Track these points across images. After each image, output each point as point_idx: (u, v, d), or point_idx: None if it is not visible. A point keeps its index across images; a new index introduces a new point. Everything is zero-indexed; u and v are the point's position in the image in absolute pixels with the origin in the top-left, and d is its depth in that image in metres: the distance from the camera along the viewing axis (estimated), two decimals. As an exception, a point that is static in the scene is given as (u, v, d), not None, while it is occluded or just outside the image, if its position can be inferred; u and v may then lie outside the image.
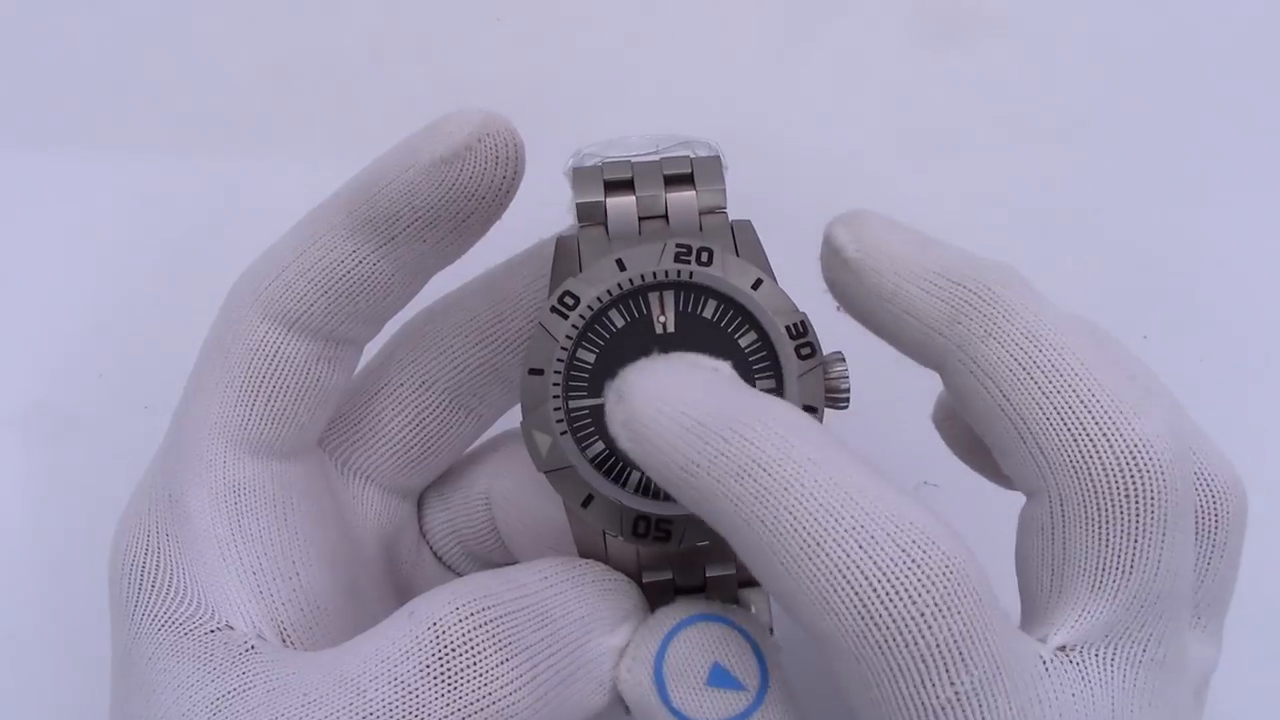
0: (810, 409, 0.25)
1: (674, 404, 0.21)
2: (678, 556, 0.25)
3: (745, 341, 0.25)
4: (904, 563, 0.19)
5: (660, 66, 0.44)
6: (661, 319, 0.25)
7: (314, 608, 0.26)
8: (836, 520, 0.20)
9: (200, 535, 0.25)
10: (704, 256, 0.25)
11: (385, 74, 0.43)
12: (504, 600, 0.23)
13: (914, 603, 0.19)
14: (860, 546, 0.19)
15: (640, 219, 0.26)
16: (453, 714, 0.22)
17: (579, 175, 0.26)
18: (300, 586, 0.26)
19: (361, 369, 0.30)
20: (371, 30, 0.44)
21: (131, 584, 0.25)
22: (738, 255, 0.26)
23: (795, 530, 0.20)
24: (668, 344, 0.25)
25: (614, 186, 0.26)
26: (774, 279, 0.25)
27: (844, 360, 0.25)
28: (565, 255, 0.26)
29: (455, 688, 0.22)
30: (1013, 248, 0.41)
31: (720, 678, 0.23)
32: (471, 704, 0.22)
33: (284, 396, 0.26)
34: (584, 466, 0.24)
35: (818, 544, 0.19)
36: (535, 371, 0.25)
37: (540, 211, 0.28)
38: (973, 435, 0.27)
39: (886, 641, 0.19)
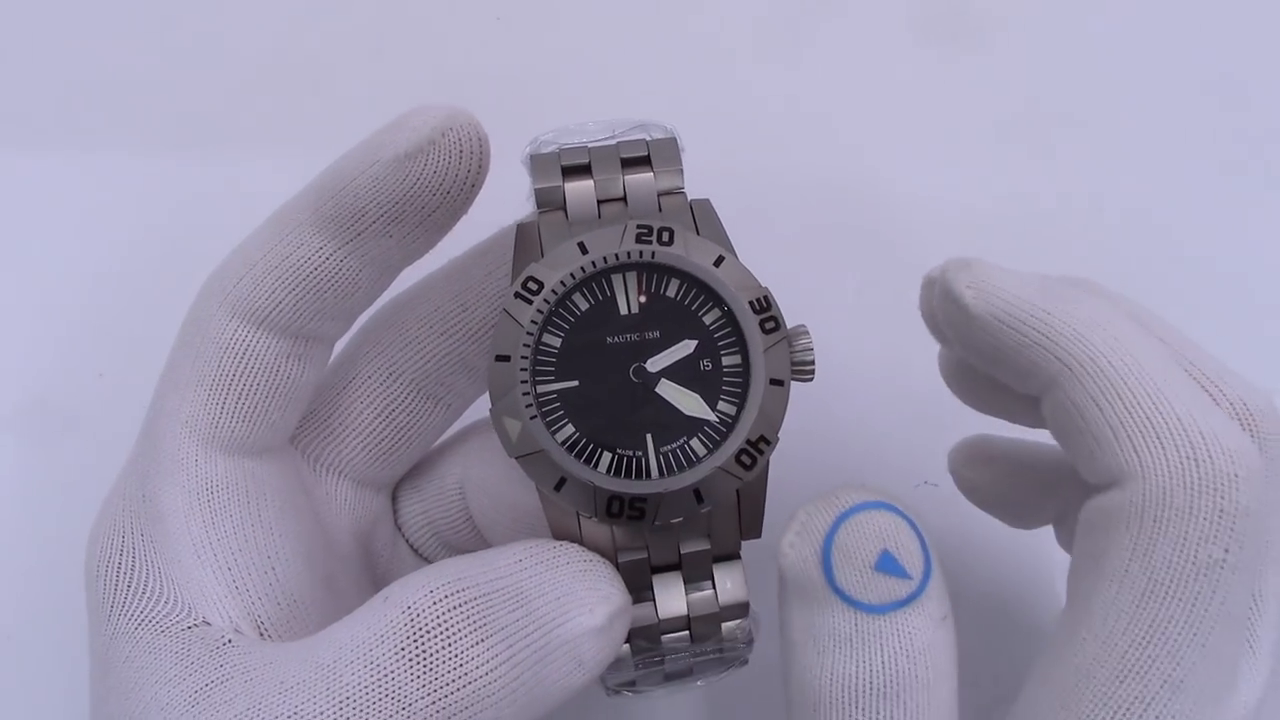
0: (777, 382, 0.25)
1: (1013, 271, 0.25)
2: (652, 535, 0.25)
3: (710, 319, 0.25)
4: (1232, 429, 0.23)
5: (659, 65, 0.44)
6: (640, 299, 0.25)
7: (290, 602, 0.26)
8: (1171, 378, 0.23)
9: (174, 534, 0.26)
10: (665, 236, 0.25)
11: (384, 73, 0.43)
12: (478, 582, 0.23)
13: (1234, 461, 0.22)
14: (1194, 401, 0.23)
15: (599, 202, 0.26)
16: (428, 695, 0.22)
17: (536, 162, 0.26)
18: (276, 581, 0.26)
19: (330, 365, 0.30)
20: (370, 29, 0.44)
21: (108, 585, 0.26)
22: (698, 234, 0.26)
23: (1139, 376, 0.23)
24: (633, 325, 0.25)
25: (571, 171, 0.26)
26: (735, 256, 0.26)
27: (808, 333, 0.25)
28: (526, 241, 0.26)
29: (430, 669, 0.22)
30: (1011, 247, 0.41)
31: (888, 564, 0.23)
32: (447, 685, 0.22)
33: (255, 394, 0.26)
34: (555, 450, 0.24)
35: (1160, 391, 0.23)
36: (502, 358, 0.25)
37: (513, 205, 0.28)
38: (982, 384, 0.29)
39: (1200, 484, 0.22)
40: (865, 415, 0.39)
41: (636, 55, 0.44)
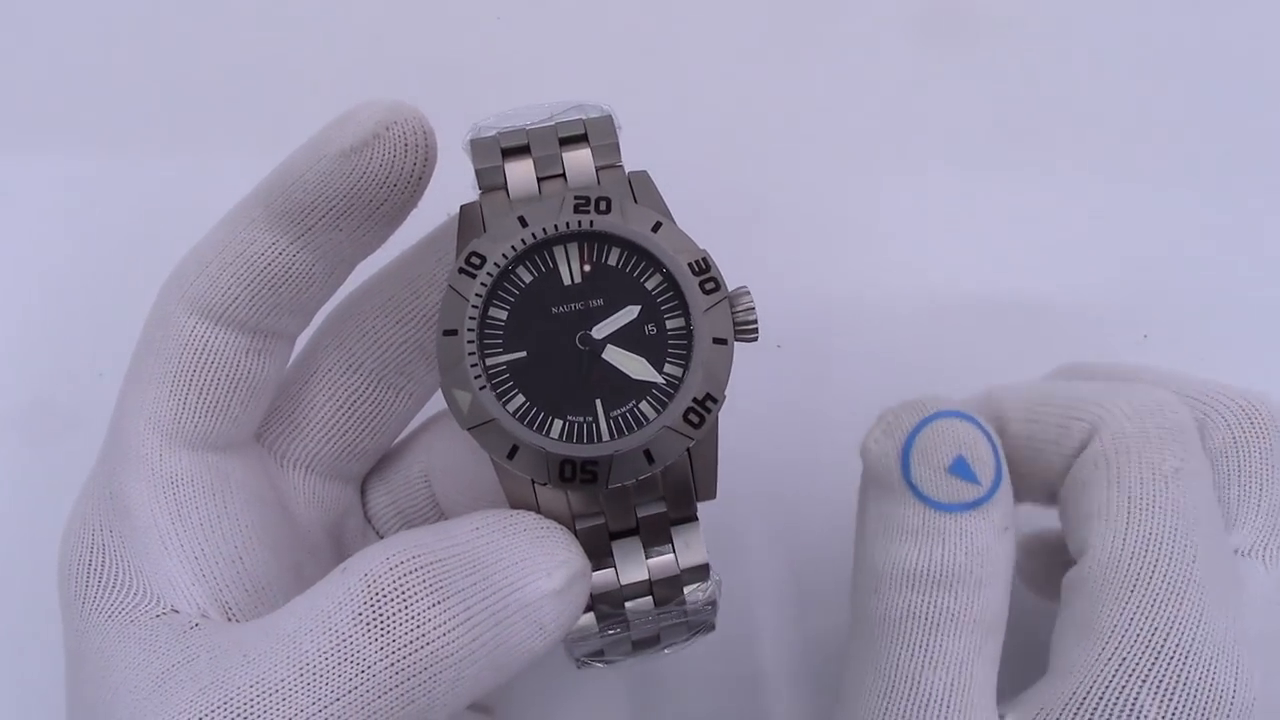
0: (720, 341, 0.25)
1: None
2: (607, 501, 0.25)
3: (652, 284, 0.26)
4: (1159, 390, 0.28)
5: (656, 65, 0.44)
6: (585, 269, 0.26)
7: (258, 589, 0.27)
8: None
9: (141, 527, 0.26)
10: (602, 205, 0.26)
11: (380, 74, 0.44)
12: (435, 549, 0.24)
13: (1162, 398, 0.27)
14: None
15: (539, 179, 0.27)
16: (386, 658, 0.22)
17: (477, 146, 0.27)
18: (244, 570, 0.27)
19: (292, 360, 0.30)
20: (366, 29, 0.45)
21: (79, 582, 0.26)
22: (636, 204, 0.26)
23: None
24: (577, 294, 0.26)
25: (511, 152, 0.27)
26: (673, 222, 0.26)
27: (749, 293, 0.26)
28: (469, 221, 0.26)
29: (388, 631, 0.22)
30: (1011, 247, 0.42)
31: (961, 468, 0.26)
32: (404, 647, 0.22)
33: (215, 389, 0.27)
34: (506, 418, 0.25)
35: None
36: (449, 332, 0.25)
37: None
38: (1042, 573, 0.32)
39: (1142, 413, 0.26)
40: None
41: (636, 56, 0.45)
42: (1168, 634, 0.24)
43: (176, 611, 0.25)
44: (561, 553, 0.24)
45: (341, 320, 0.30)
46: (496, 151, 0.27)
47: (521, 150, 0.27)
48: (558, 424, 0.25)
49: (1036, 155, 0.43)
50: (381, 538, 0.32)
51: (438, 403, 0.31)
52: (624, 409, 0.25)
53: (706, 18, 0.45)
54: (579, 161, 0.27)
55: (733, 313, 0.25)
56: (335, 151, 0.25)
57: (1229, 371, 0.40)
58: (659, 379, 0.25)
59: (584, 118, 0.27)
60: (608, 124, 0.27)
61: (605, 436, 0.25)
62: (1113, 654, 0.24)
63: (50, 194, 0.42)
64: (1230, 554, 0.26)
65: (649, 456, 0.24)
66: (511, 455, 0.25)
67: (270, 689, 0.22)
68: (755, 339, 0.26)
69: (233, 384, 0.27)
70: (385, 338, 0.29)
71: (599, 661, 0.27)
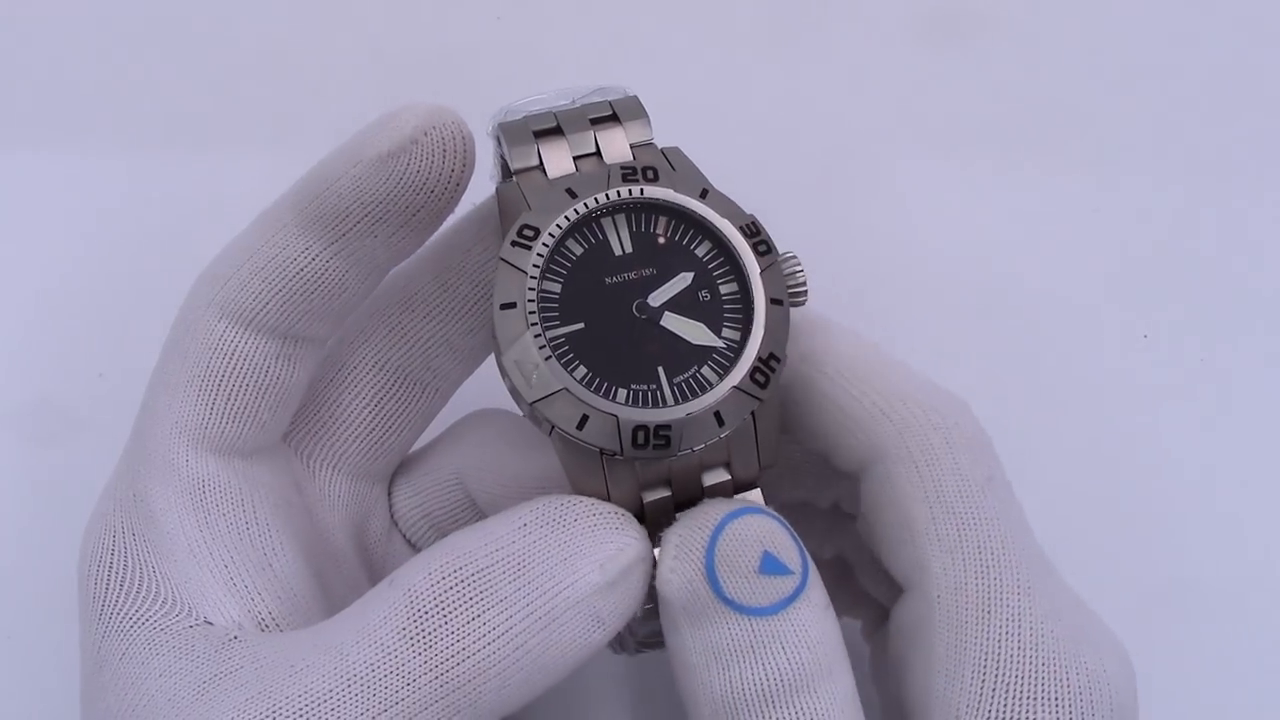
0: (776, 301, 0.25)
1: None
2: (675, 469, 0.25)
3: (702, 251, 0.26)
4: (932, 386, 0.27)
5: (658, 64, 0.45)
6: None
7: (290, 596, 0.26)
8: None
9: (168, 534, 0.25)
10: (650, 174, 0.26)
11: (383, 72, 0.44)
12: (478, 557, 0.23)
13: (957, 401, 0.26)
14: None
15: (575, 158, 0.26)
16: (430, 670, 0.22)
17: (507, 129, 0.26)
18: (275, 577, 0.26)
19: None
20: (368, 28, 0.45)
21: (99, 584, 0.25)
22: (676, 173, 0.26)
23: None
24: (628, 264, 0.25)
25: (543, 134, 0.26)
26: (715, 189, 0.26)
27: (796, 257, 0.26)
28: (510, 200, 0.26)
29: (430, 646, 0.22)
30: (1012, 247, 0.43)
31: (771, 564, 0.23)
32: (447, 660, 0.22)
33: (244, 394, 0.26)
34: (575, 386, 0.24)
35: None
36: (507, 305, 0.24)
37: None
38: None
39: (945, 425, 0.25)
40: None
41: (637, 55, 0.45)
42: (1037, 648, 0.23)
43: (210, 624, 0.25)
44: (617, 539, 0.24)
45: (366, 318, 0.30)
46: (528, 133, 0.26)
47: (553, 131, 0.26)
48: (622, 393, 0.24)
49: (1037, 153, 0.43)
50: (408, 540, 0.32)
51: (460, 409, 0.31)
52: (686, 375, 0.25)
53: (705, 15, 0.45)
54: (613, 140, 0.26)
55: (783, 276, 0.26)
56: (372, 156, 0.25)
57: (1229, 370, 0.41)
58: (719, 343, 0.25)
59: (609, 99, 0.27)
60: (636, 104, 0.27)
61: (671, 402, 0.24)
62: (995, 684, 0.23)
63: (51, 193, 0.42)
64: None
65: (719, 419, 0.24)
66: (581, 425, 0.24)
67: (318, 699, 0.22)
68: (804, 303, 0.26)
69: (261, 389, 0.27)
70: (412, 334, 0.29)
71: (660, 646, 0.26)
